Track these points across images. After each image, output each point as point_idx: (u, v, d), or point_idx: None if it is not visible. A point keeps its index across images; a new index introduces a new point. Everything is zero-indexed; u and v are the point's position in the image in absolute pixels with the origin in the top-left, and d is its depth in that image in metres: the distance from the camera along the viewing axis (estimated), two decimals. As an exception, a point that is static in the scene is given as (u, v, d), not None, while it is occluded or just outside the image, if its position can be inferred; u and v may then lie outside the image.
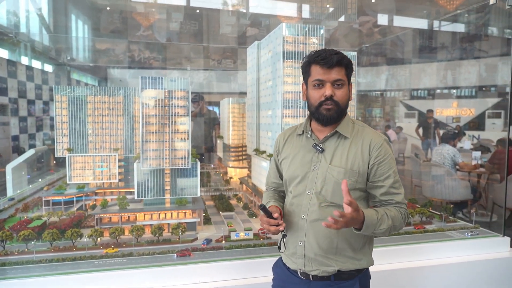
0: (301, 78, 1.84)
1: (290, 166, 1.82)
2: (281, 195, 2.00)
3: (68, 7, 5.18)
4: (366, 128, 1.78)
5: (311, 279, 1.75)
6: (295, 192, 1.78)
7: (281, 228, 1.63)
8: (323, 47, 3.82)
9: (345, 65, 1.69)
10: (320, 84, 1.68)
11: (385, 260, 3.15)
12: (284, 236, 1.83)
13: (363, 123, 1.82)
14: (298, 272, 1.78)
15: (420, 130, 8.33)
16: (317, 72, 1.68)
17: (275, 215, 1.66)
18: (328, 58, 1.64)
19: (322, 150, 1.74)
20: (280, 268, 1.92)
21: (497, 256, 3.36)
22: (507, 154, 4.32)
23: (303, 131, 1.83)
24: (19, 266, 2.81)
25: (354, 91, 4.19)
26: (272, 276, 1.99)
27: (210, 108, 6.38)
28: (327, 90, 1.66)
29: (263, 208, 1.66)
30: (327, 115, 1.68)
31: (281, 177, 1.96)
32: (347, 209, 1.44)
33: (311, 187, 1.73)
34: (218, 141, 6.03)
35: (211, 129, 6.16)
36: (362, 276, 1.78)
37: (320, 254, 1.71)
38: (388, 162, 1.70)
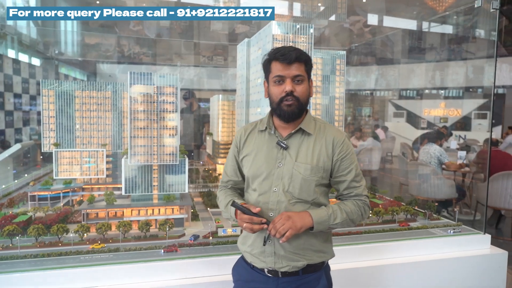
0: None
1: (254, 163, 1.80)
2: (238, 193, 1.96)
3: (56, 0, 5.10)
4: (327, 125, 1.84)
5: (280, 275, 1.75)
6: (260, 189, 1.77)
7: (265, 226, 1.64)
8: (312, 46, 3.86)
9: (304, 61, 1.72)
10: (281, 80, 1.71)
11: (370, 257, 3.20)
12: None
13: (324, 120, 1.90)
14: (266, 270, 1.78)
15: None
16: (277, 68, 1.71)
17: (256, 209, 1.67)
18: (287, 54, 1.68)
19: (287, 147, 1.76)
20: (243, 268, 1.89)
21: (478, 253, 3.45)
22: (489, 154, 4.42)
23: (266, 127, 1.83)
24: (3, 261, 2.78)
25: (342, 90, 4.24)
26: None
27: (202, 105, 6.37)
28: (287, 86, 1.69)
29: (237, 206, 1.65)
30: (288, 111, 1.71)
31: (241, 174, 1.93)
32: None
33: (277, 184, 1.73)
34: (208, 138, 6.03)
35: (200, 126, 6.16)
36: (325, 267, 1.87)
37: (290, 250, 1.73)
38: (349, 157, 1.77)
